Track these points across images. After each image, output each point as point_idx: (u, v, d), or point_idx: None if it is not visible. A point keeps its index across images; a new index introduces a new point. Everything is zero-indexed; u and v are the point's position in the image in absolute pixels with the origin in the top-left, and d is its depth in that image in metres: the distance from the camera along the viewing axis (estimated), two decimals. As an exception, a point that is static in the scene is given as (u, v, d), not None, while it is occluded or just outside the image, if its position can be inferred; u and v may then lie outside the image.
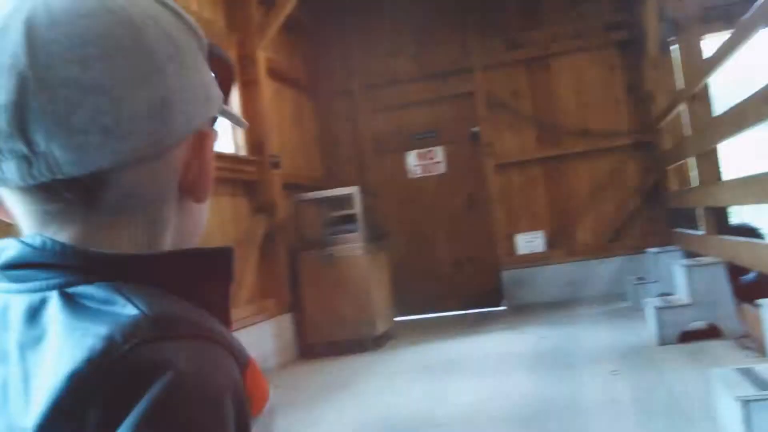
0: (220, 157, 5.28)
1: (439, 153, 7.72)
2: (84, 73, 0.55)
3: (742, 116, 3.86)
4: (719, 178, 5.00)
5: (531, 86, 7.60)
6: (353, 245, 5.85)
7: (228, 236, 5.46)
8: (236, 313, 5.11)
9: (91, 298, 0.56)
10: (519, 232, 7.55)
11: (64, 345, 0.53)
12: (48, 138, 0.54)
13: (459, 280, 7.63)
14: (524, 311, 7.05)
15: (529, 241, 7.50)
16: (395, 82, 7.77)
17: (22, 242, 0.59)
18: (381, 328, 5.96)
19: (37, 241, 0.58)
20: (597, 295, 7.09)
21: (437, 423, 3.49)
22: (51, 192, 0.57)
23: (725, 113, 4.30)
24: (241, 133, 5.81)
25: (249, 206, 5.88)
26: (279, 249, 5.96)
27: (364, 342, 5.81)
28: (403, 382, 4.54)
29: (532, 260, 7.44)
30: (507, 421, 3.39)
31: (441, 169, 7.72)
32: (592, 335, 5.30)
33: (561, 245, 7.46)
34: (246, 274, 5.50)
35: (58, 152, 0.54)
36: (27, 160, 0.55)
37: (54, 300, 0.56)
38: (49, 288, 0.57)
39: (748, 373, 2.64)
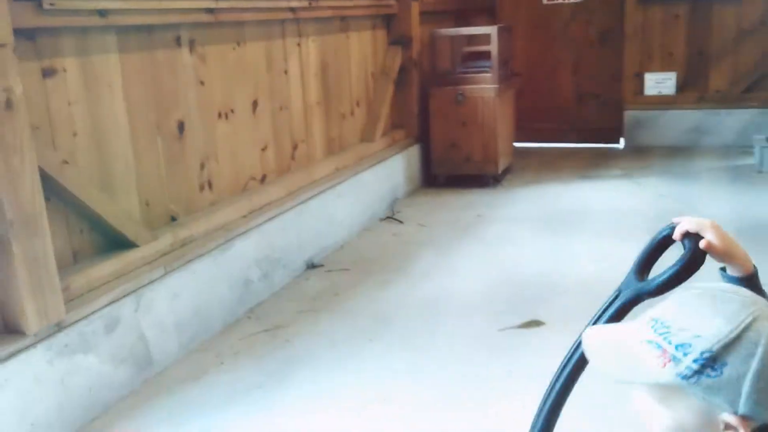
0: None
1: (578, -20, 7.38)
2: None
3: None
4: None
5: None
6: (485, 86, 5.99)
7: (367, 69, 5.71)
8: (370, 147, 5.56)
9: None
10: (650, 71, 7.39)
11: None
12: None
13: (580, 115, 7.71)
14: (642, 153, 7.19)
15: (659, 83, 7.37)
16: None
17: None
18: (502, 166, 6.29)
19: None
20: (721, 147, 7.09)
21: (559, 290, 3.93)
22: None
23: None
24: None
25: (387, 39, 6.02)
26: (412, 82, 6.18)
27: (485, 178, 6.19)
28: (522, 234, 4.93)
29: (659, 102, 7.37)
30: (625, 297, 3.79)
31: (578, -4, 7.45)
32: (711, 200, 5.45)
33: (692, 89, 7.30)
34: (383, 106, 5.82)
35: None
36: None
37: None
38: None
39: None
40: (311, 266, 4.50)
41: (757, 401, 0.90)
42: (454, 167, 6.23)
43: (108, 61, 3.16)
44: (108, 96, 3.17)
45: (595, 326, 1.13)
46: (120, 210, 3.20)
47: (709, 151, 7.04)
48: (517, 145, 7.14)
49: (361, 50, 5.58)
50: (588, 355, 1.07)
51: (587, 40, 7.56)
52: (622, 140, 7.59)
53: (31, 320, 2.60)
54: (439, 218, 5.47)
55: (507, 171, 6.62)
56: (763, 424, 0.92)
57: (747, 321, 0.92)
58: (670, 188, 5.89)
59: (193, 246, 3.55)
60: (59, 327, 2.73)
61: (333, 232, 4.85)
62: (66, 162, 2.91)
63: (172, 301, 3.34)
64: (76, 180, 2.94)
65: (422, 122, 6.32)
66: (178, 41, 3.58)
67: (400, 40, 6.02)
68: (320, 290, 4.18)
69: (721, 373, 0.91)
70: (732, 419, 0.92)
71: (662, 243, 1.39)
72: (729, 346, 0.91)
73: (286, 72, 4.56)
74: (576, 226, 5.08)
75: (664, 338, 0.95)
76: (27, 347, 2.60)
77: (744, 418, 0.91)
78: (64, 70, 2.93)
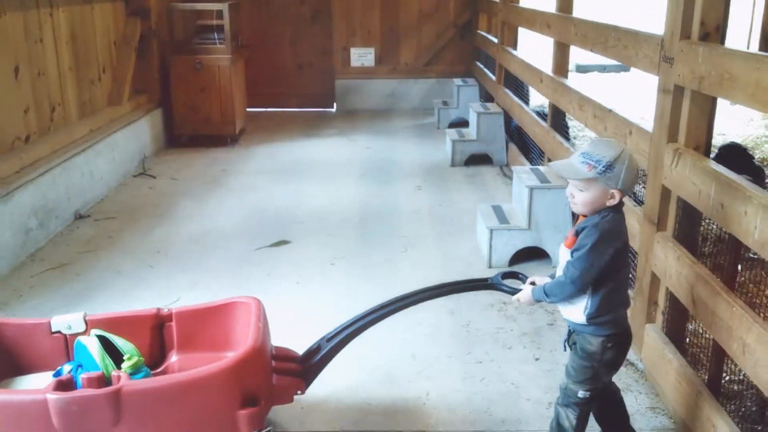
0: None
1: (292, -34, 8.46)
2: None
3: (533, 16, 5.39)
4: (515, 46, 6.60)
5: None
6: (220, 56, 6.82)
7: (110, 38, 6.18)
8: (119, 110, 6.11)
9: None
10: (354, 46, 8.80)
11: None
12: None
13: (300, 83, 8.88)
14: (351, 116, 8.61)
15: (362, 56, 8.82)
16: None
17: None
18: (238, 127, 7.19)
19: None
20: (410, 109, 8.80)
21: (299, 220, 5.03)
22: None
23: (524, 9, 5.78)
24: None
25: (126, 10, 6.51)
26: (152, 50, 6.75)
27: (224, 138, 7.05)
28: (263, 182, 5.95)
29: (362, 72, 8.84)
30: (347, 221, 5.01)
31: (292, -21, 8.54)
32: (406, 150, 6.99)
33: (387, 63, 8.88)
34: (126, 73, 6.34)
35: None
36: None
37: None
38: None
39: (497, 210, 4.44)
40: (79, 216, 5.02)
41: (624, 183, 2.07)
42: (195, 128, 6.98)
43: None
44: None
45: (555, 161, 2.26)
46: None
47: (402, 113, 8.72)
48: (248, 109, 8.06)
49: (104, 20, 6.03)
50: (554, 169, 2.18)
51: (302, 18, 8.71)
52: (335, 105, 8.95)
53: None
54: (188, 173, 6.23)
55: (242, 132, 7.55)
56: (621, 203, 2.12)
57: (620, 150, 2.08)
58: (375, 142, 7.34)
59: (-22, 197, 3.94)
60: None
61: (95, 187, 5.37)
62: None
63: (-32, 245, 3.74)
64: None
65: (163, 88, 6.94)
66: (-53, 10, 3.88)
67: (138, 11, 6.54)
68: (93, 235, 4.75)
69: (613, 171, 2.05)
70: (615, 191, 2.08)
71: (513, 275, 2.55)
72: (616, 160, 2.05)
73: (41, 40, 4.94)
74: (305, 173, 6.22)
75: (590, 158, 2.07)
76: None
77: (619, 190, 2.08)
78: None
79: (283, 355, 2.55)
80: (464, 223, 4.91)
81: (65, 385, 2.11)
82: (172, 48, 6.88)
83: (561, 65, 4.74)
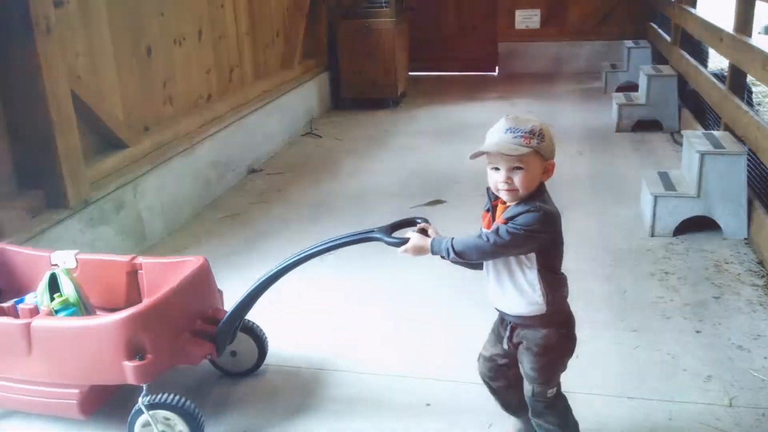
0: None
1: None
2: None
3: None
4: (694, 4, 6.13)
5: None
6: (384, 19, 6.96)
7: (283, 3, 6.50)
8: (290, 73, 6.42)
9: None
10: (519, 8, 8.60)
11: None
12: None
13: (462, 46, 8.84)
14: (513, 80, 8.46)
15: (527, 18, 8.60)
16: None
17: None
18: (400, 90, 7.33)
19: None
20: (575, 73, 8.49)
21: (456, 180, 5.08)
22: None
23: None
24: None
25: (298, -24, 6.81)
26: (321, 15, 7.03)
27: (386, 101, 7.22)
28: (423, 143, 6.05)
29: (527, 35, 8.63)
30: (503, 183, 4.99)
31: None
32: (568, 114, 6.78)
33: (553, 24, 8.60)
34: (298, 38, 6.65)
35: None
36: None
37: None
38: None
39: (664, 176, 4.22)
40: (252, 171, 5.40)
41: (552, 153, 1.93)
42: (360, 91, 7.21)
43: (96, -7, 3.85)
44: (97, 22, 3.87)
45: (487, 143, 1.95)
46: (114, 116, 3.97)
47: (566, 77, 8.42)
48: (410, 73, 8.16)
49: (276, -13, 6.36)
50: (489, 149, 1.93)
51: (467, -22, 8.65)
52: (497, 68, 8.83)
53: (71, 196, 3.40)
54: (352, 133, 6.47)
55: (404, 94, 7.68)
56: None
57: (538, 122, 1.90)
58: (536, 106, 7.17)
59: (167, 148, 4.37)
60: (86, 204, 3.54)
61: (266, 144, 5.74)
62: (79, 77, 3.64)
63: (158, 191, 4.17)
64: (84, 90, 3.67)
65: (330, 52, 7.22)
66: (144, -23, 4.29)
67: (309, -22, 6.82)
68: (265, 188, 5.10)
69: (544, 140, 1.88)
70: (548, 164, 1.92)
71: (409, 223, 2.24)
72: (541, 128, 1.89)
73: (222, 6, 5.31)
74: (463, 136, 6.23)
75: (521, 131, 1.87)
76: (66, 217, 3.40)
77: (551, 162, 1.93)
78: (68, 2, 3.62)
79: (214, 318, 2.55)
80: (627, 191, 4.71)
81: (4, 312, 2.34)
82: (339, 12, 7.11)
83: (744, 22, 4.36)
